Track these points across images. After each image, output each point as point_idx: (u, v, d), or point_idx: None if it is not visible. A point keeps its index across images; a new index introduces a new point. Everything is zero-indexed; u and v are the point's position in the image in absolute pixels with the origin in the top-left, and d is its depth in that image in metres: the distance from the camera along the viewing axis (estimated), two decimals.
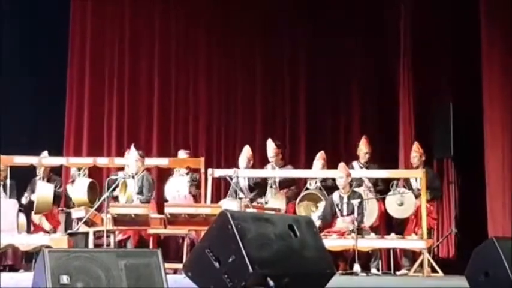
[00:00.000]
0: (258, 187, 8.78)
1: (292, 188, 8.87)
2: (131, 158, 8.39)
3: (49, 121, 9.82)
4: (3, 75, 9.60)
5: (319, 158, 8.70)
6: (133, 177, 8.37)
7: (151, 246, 7.77)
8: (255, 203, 8.38)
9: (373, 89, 10.05)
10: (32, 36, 9.78)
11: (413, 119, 9.43)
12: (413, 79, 9.45)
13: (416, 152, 8.67)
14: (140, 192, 8.24)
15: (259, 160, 9.37)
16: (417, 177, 8.41)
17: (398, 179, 8.68)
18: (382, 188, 8.70)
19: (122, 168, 8.78)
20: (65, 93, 10.07)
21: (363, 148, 8.86)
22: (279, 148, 9.01)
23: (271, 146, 8.91)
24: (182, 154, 9.14)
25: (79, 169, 8.90)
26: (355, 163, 8.84)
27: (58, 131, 9.92)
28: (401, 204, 8.39)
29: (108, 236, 7.49)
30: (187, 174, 8.83)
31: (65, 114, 10.01)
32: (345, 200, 8.15)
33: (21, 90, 9.64)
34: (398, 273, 8.20)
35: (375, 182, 8.76)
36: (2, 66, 9.60)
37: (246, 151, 8.79)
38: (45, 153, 8.64)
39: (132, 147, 8.53)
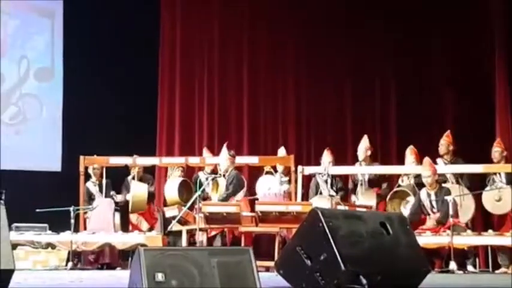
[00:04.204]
0: (341, 190, 8.67)
1: (384, 186, 8.73)
2: (222, 157, 8.47)
3: (142, 123, 10.08)
4: (101, 76, 9.93)
5: (411, 153, 8.51)
6: (223, 175, 8.46)
7: (243, 244, 7.82)
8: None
9: (466, 87, 9.79)
10: (125, 43, 10.09)
11: (510, 115, 9.13)
12: (508, 76, 9.14)
13: (498, 147, 8.37)
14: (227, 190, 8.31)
15: (351, 159, 9.29)
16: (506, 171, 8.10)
17: (494, 174, 8.39)
18: (468, 184, 8.42)
19: (202, 168, 8.93)
20: (157, 96, 10.33)
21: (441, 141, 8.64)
22: (372, 146, 8.91)
23: (365, 142, 8.80)
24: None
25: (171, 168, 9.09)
26: (439, 159, 8.59)
27: (151, 132, 10.18)
28: (499, 200, 8.11)
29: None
30: (285, 175, 8.85)
31: (157, 117, 10.26)
32: (433, 196, 7.93)
33: (116, 93, 9.94)
34: (497, 271, 7.94)
35: (457, 179, 8.49)
36: (100, 71, 9.93)
37: (326, 155, 8.67)
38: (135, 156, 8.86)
39: (224, 147, 8.60)
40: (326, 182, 8.50)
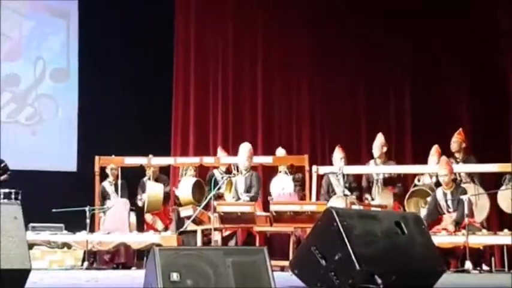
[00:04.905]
0: (355, 189, 8.65)
1: (399, 185, 8.70)
2: (244, 155, 8.42)
3: (157, 123, 10.11)
4: (116, 77, 9.98)
5: (434, 153, 8.46)
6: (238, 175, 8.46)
7: (257, 243, 7.82)
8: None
9: (480, 87, 9.75)
10: (139, 44, 10.13)
11: None
12: None
13: None
14: (248, 190, 8.31)
15: (365, 159, 9.28)
16: None
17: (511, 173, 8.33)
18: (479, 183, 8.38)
19: (216, 167, 8.93)
20: (171, 96, 10.36)
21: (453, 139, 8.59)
22: (387, 143, 8.89)
23: (380, 138, 8.77)
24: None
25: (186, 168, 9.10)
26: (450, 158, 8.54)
27: (166, 132, 10.21)
28: None
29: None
30: (290, 173, 8.84)
31: (172, 117, 10.29)
32: (449, 196, 7.90)
33: (131, 93, 9.99)
34: None
35: (472, 178, 8.43)
36: (115, 72, 9.98)
37: (338, 151, 8.64)
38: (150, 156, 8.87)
39: (247, 144, 8.56)
40: (339, 181, 8.46)
